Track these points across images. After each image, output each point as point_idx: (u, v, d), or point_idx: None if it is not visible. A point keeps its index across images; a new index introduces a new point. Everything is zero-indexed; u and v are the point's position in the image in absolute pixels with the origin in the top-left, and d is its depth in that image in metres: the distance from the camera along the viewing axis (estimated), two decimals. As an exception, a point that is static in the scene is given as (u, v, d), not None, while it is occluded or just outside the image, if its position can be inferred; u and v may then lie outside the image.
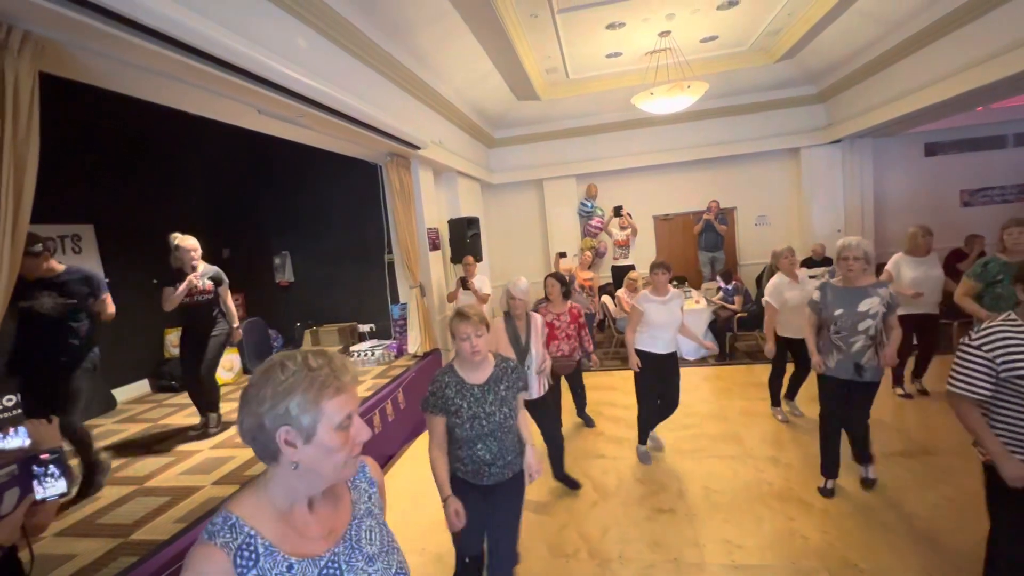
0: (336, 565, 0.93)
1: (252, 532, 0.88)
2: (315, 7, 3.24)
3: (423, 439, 4.59)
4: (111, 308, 2.99)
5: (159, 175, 5.62)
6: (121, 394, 4.85)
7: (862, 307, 2.78)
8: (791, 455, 3.61)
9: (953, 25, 4.63)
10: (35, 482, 1.31)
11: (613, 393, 5.27)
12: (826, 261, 7.02)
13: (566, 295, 3.76)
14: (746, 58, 6.54)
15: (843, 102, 6.94)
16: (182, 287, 3.50)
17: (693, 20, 5.30)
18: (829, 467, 3.10)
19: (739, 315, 6.17)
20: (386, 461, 4.11)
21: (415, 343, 5.45)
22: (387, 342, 5.71)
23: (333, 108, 3.42)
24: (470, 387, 2.00)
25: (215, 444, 3.48)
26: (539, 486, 3.42)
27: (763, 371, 5.34)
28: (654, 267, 3.53)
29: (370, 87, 4.15)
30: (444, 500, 1.97)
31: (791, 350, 4.07)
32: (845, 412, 3.00)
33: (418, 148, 4.96)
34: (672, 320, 3.51)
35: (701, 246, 7.69)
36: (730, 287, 6.34)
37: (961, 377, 1.73)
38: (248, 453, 3.25)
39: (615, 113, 7.72)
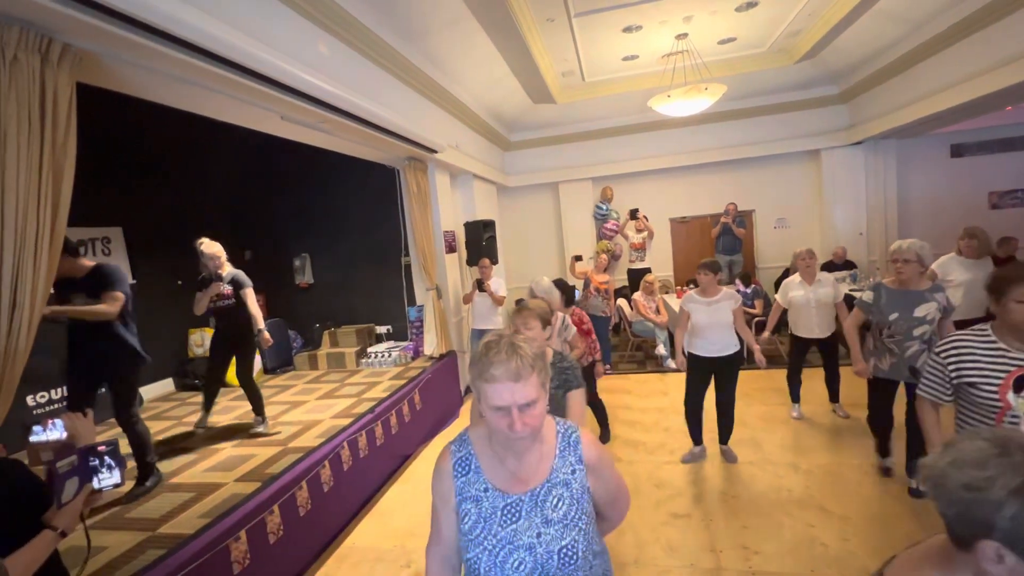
0: (518, 508, 1.10)
1: (473, 451, 1.16)
2: (336, 15, 3.31)
3: (439, 439, 4.63)
4: (108, 307, 2.71)
5: (184, 180, 5.78)
6: (147, 392, 5.00)
7: (919, 312, 2.72)
8: (811, 462, 3.56)
9: (979, 24, 4.53)
10: (93, 472, 1.38)
11: (628, 396, 5.25)
12: (847, 264, 6.90)
13: (568, 302, 3.75)
14: (765, 59, 6.47)
15: (866, 103, 6.82)
16: (206, 293, 3.58)
17: (711, 22, 5.27)
18: (885, 448, 3.19)
19: (758, 319, 6.09)
20: (402, 461, 4.15)
21: (431, 345, 5.50)
22: (404, 344, 5.77)
23: (353, 113, 3.49)
24: None
25: (237, 443, 3.57)
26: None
27: (782, 376, 5.28)
28: (699, 268, 3.48)
29: (388, 92, 4.22)
30: None
31: (817, 348, 4.11)
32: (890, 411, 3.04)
33: (435, 152, 5.01)
34: (719, 322, 3.42)
35: (718, 249, 7.61)
36: (749, 291, 6.26)
37: (925, 382, 1.85)
38: (269, 452, 3.32)
39: (631, 116, 7.69)
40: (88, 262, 2.79)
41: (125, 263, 4.93)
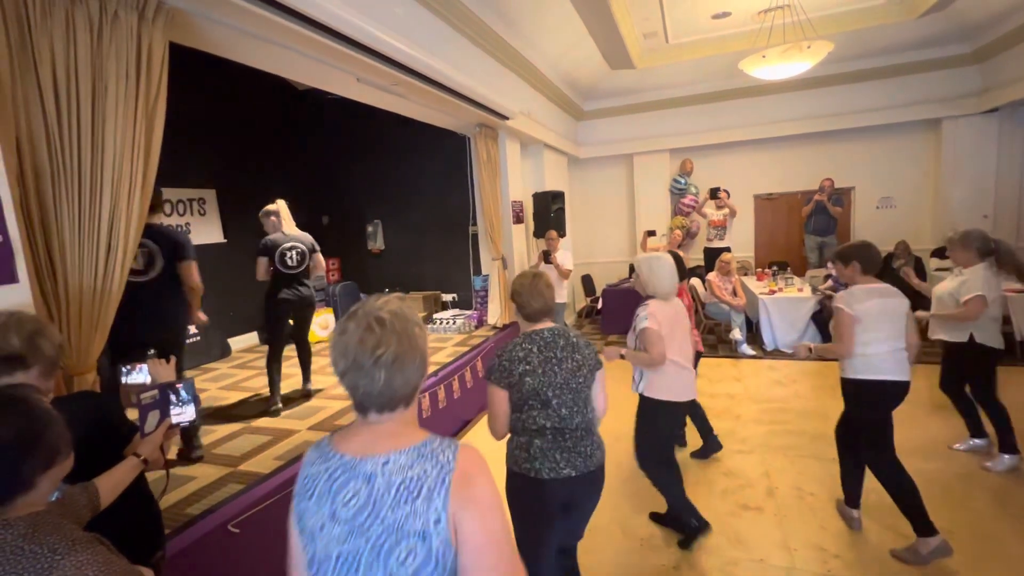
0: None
1: None
2: (412, -27, 3.26)
3: (499, 409, 4.66)
4: (195, 277, 2.76)
5: (270, 146, 6.09)
6: (234, 344, 5.42)
7: None
8: (909, 466, 3.16)
9: None
10: (171, 408, 1.48)
11: (701, 381, 4.97)
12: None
13: (680, 275, 3.28)
14: (881, 13, 5.67)
15: (1005, 63, 5.83)
16: None
17: (820, -30, 4.67)
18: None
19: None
20: (462, 426, 4.22)
21: (495, 315, 5.51)
22: (468, 312, 5.83)
23: (426, 75, 3.45)
24: None
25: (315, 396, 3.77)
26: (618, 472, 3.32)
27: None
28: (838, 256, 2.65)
29: (462, 55, 4.14)
30: None
31: None
32: None
33: (507, 118, 4.91)
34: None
35: (809, 229, 6.96)
36: (841, 275, 5.69)
37: None
38: (340, 404, 3.48)
39: (718, 82, 7.12)
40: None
41: (217, 224, 5.31)
